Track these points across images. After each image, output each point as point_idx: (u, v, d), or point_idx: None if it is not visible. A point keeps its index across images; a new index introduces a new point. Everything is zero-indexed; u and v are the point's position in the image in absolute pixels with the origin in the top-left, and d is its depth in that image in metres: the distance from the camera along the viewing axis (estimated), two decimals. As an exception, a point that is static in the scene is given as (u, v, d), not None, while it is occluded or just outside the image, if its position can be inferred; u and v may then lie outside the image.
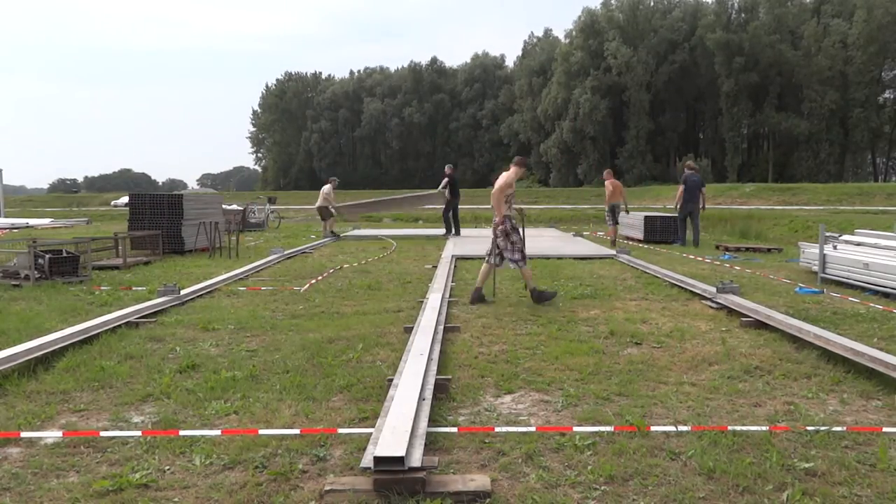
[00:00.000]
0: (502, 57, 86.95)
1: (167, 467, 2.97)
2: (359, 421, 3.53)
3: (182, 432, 3.35)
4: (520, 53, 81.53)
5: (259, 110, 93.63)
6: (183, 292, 7.16)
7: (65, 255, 8.95)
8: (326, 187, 17.55)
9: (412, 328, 5.35)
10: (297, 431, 3.34)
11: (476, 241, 14.97)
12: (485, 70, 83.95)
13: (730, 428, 3.36)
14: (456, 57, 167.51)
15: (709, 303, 6.88)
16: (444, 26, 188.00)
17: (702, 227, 21.67)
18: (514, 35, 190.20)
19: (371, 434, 3.08)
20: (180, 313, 6.47)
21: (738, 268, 10.07)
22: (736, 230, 19.00)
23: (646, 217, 15.15)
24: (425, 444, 2.96)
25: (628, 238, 15.26)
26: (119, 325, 5.65)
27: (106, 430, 3.42)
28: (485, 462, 3.01)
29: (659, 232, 14.87)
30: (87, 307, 6.88)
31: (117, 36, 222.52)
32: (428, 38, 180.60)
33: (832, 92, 55.08)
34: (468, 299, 7.08)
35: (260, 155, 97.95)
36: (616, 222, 14.55)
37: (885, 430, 3.38)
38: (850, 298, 7.28)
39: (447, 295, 7.10)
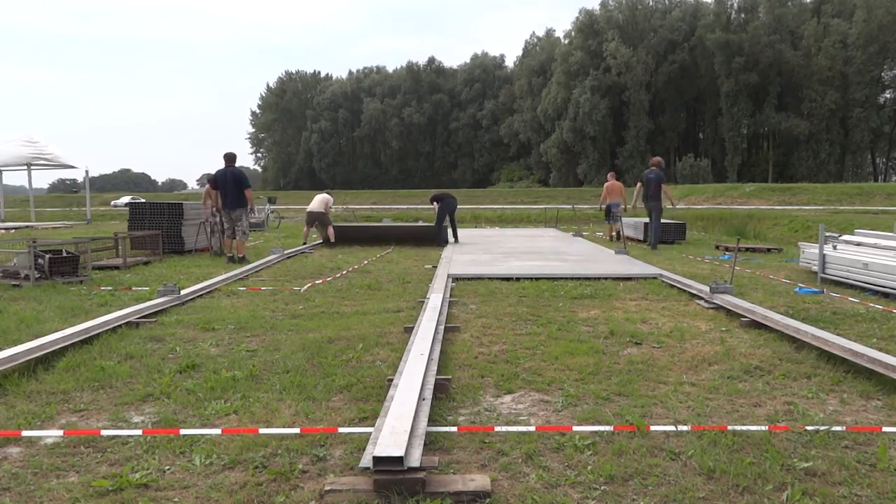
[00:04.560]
0: (502, 57, 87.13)
1: (167, 467, 2.97)
2: (359, 421, 3.53)
3: (182, 432, 3.35)
4: (520, 53, 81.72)
5: (258, 111, 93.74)
6: (183, 292, 7.16)
7: (65, 255, 8.95)
8: (328, 196, 15.21)
9: (412, 328, 5.35)
10: (297, 431, 3.34)
11: (474, 247, 14.91)
12: (485, 70, 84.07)
13: (730, 428, 3.36)
14: (486, 49, 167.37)
15: (702, 303, 6.88)
16: (484, 15, 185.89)
17: (701, 227, 21.74)
18: (522, 33, 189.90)
19: (371, 434, 3.08)
20: (180, 313, 6.47)
21: (737, 268, 10.07)
22: (733, 229, 19.01)
23: (645, 223, 15.44)
24: (425, 444, 2.97)
25: (629, 238, 15.29)
26: (119, 325, 5.65)
27: (106, 429, 3.42)
28: (485, 462, 3.01)
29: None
30: (87, 307, 6.89)
31: (116, 31, 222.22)
32: (464, 29, 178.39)
33: (832, 92, 55.16)
34: None
35: (259, 155, 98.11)
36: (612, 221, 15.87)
37: (885, 430, 3.38)
38: (850, 298, 7.29)
39: (447, 295, 7.10)
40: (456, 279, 8.65)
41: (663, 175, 13.83)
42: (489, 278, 8.72)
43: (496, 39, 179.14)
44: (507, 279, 8.66)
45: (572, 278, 8.70)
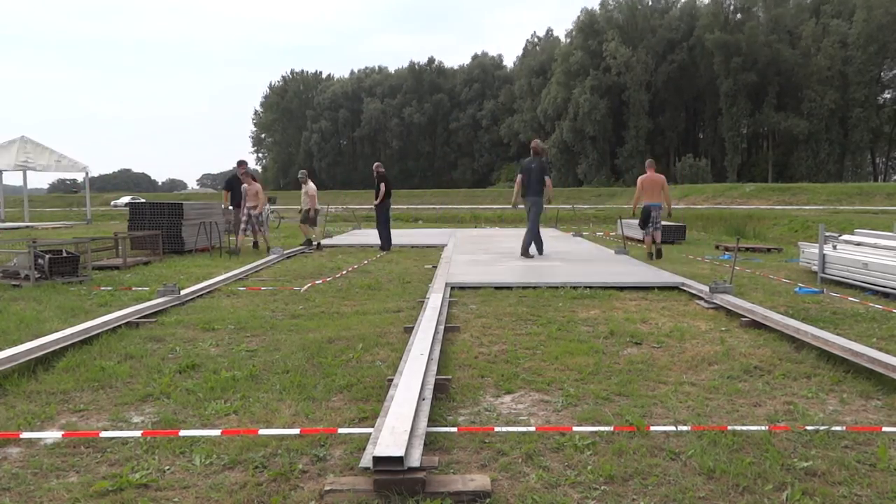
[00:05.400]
0: (500, 57, 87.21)
1: (167, 467, 2.97)
2: (359, 421, 3.53)
3: (182, 432, 3.35)
4: (520, 53, 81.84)
5: (261, 109, 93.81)
6: (182, 292, 7.16)
7: (65, 255, 8.95)
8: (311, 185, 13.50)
9: (412, 328, 5.35)
10: (297, 431, 3.34)
11: (475, 248, 14.84)
12: (484, 70, 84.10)
13: (730, 428, 3.36)
14: (498, 47, 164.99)
15: (702, 303, 6.88)
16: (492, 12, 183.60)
17: (701, 227, 21.74)
18: (527, 32, 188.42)
19: (371, 434, 3.08)
20: (180, 313, 6.47)
21: (737, 268, 10.07)
22: (733, 230, 19.02)
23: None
24: (425, 444, 2.97)
25: (629, 238, 15.30)
26: (119, 325, 5.65)
27: (106, 430, 3.42)
28: (485, 462, 3.02)
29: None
30: (87, 307, 6.88)
31: (116, 30, 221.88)
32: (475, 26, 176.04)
33: (832, 92, 55.14)
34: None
35: (260, 155, 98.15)
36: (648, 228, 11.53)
37: (884, 429, 3.38)
38: (850, 298, 7.29)
39: (447, 295, 7.10)
40: (454, 287, 7.83)
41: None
42: (490, 287, 7.89)
43: (501, 38, 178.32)
44: (510, 288, 7.81)
45: (588, 286, 7.81)
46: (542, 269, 9.60)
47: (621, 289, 7.89)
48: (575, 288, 7.78)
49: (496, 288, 7.90)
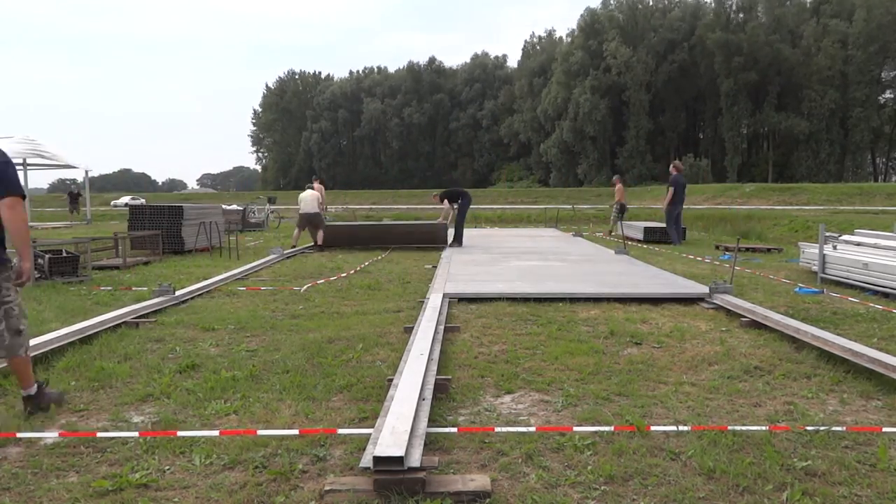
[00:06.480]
0: (503, 57, 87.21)
1: (167, 467, 2.97)
2: (359, 421, 3.53)
3: (182, 432, 3.35)
4: (520, 53, 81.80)
5: (260, 110, 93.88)
6: (179, 292, 7.16)
7: (65, 255, 8.95)
8: (319, 187, 15.09)
9: (412, 328, 5.35)
10: (296, 431, 3.34)
11: (473, 253, 14.84)
12: (484, 70, 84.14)
13: (730, 428, 3.36)
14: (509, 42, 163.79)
15: (702, 303, 6.88)
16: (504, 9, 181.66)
17: (701, 227, 21.75)
18: (533, 30, 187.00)
19: (371, 434, 3.08)
20: (180, 313, 6.47)
21: (737, 268, 10.06)
22: (735, 230, 19.00)
23: (645, 227, 15.89)
24: (425, 444, 2.97)
25: (629, 238, 15.32)
26: (119, 325, 5.65)
27: (105, 430, 3.42)
28: (485, 462, 3.01)
29: (658, 233, 15.33)
30: (87, 307, 6.88)
31: (116, 29, 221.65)
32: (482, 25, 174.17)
33: (832, 92, 55.16)
34: None
35: (260, 155, 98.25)
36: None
37: (885, 430, 3.38)
38: (850, 298, 7.28)
39: (448, 294, 7.08)
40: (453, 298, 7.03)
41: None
42: (491, 298, 7.06)
43: (509, 38, 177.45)
44: (514, 299, 6.95)
45: (596, 298, 7.06)
46: (542, 269, 9.60)
47: (643, 301, 6.96)
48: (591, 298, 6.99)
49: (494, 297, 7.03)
